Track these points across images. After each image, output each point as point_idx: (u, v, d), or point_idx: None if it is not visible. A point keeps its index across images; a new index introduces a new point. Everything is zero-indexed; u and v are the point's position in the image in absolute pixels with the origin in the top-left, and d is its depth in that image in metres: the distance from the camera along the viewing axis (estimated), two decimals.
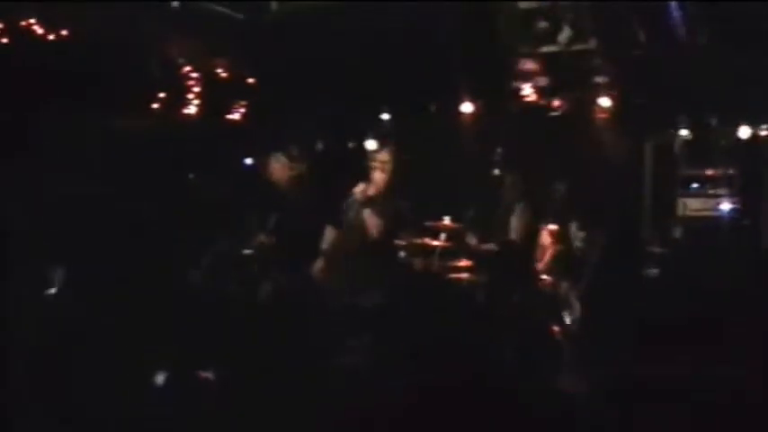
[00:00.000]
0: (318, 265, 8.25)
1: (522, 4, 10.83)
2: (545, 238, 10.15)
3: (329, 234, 8.27)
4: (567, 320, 9.32)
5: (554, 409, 6.52)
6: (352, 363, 6.81)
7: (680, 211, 11.61)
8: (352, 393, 6.39)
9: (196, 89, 11.72)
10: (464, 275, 10.15)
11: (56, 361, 6.30)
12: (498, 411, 6.25)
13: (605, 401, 6.69)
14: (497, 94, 11.95)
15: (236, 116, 12.33)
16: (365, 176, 8.27)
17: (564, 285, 9.63)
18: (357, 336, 7.19)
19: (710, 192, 11.56)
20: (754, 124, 11.34)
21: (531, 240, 9.80)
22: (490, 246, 9.90)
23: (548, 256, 10.08)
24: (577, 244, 9.94)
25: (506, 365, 7.07)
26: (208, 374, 6.68)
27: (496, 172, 10.55)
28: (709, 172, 11.65)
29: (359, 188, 8.12)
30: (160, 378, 6.39)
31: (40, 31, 10.52)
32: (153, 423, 5.79)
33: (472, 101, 12.23)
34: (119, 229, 9.64)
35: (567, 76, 11.43)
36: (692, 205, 11.57)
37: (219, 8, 10.91)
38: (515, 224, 9.23)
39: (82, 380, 6.06)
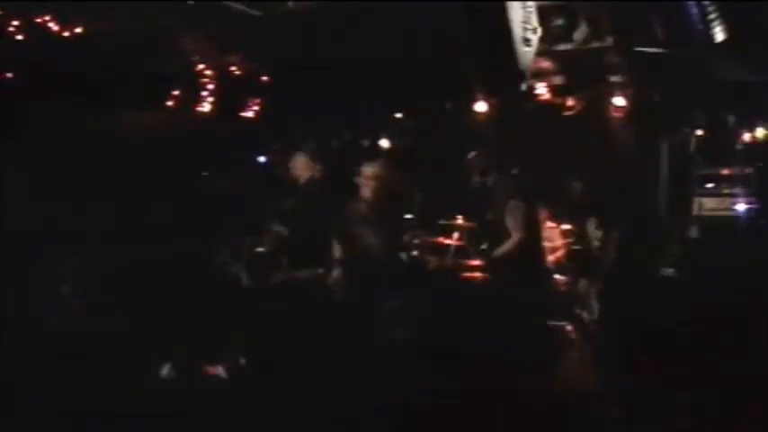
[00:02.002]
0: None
1: (539, 2, 10.79)
2: (560, 236, 10.13)
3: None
4: (585, 319, 9.30)
5: (565, 407, 6.53)
6: (368, 358, 6.82)
7: (696, 211, 11.56)
8: (366, 387, 6.40)
9: (211, 86, 11.74)
10: (477, 274, 10.14)
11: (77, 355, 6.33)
12: (511, 409, 6.25)
13: (619, 400, 6.68)
14: (512, 94, 11.91)
15: (250, 113, 12.33)
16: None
17: (581, 284, 9.59)
18: (374, 332, 7.20)
19: (726, 191, 11.51)
20: None
21: (531, 237, 9.66)
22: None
23: (564, 254, 10.05)
24: (595, 243, 9.90)
25: (518, 363, 7.07)
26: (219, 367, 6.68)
27: (479, 176, 10.47)
28: (725, 171, 11.60)
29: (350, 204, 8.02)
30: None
31: (55, 27, 10.56)
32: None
33: (486, 100, 12.20)
34: (132, 225, 9.67)
35: (583, 74, 11.39)
36: (707, 204, 11.52)
37: (235, 5, 10.90)
38: (510, 223, 9.14)
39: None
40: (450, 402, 6.34)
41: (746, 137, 11.50)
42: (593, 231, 10.06)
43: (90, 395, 5.81)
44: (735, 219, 11.33)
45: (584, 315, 9.37)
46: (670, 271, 10.36)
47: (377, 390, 6.44)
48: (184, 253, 9.01)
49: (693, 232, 11.42)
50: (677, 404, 6.49)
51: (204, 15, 10.88)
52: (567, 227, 10.35)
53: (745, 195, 11.36)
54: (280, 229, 8.50)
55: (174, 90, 11.57)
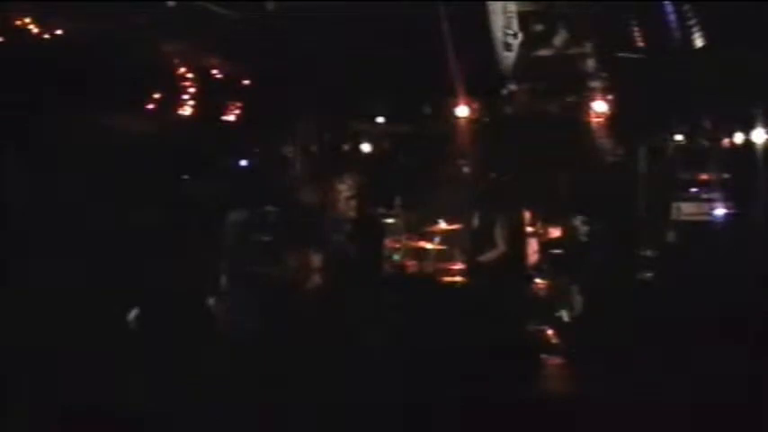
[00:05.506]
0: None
1: (519, 7, 10.84)
2: (543, 241, 10.13)
3: None
4: (567, 318, 9.34)
5: (549, 406, 6.55)
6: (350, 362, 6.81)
7: (674, 215, 11.64)
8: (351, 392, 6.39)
9: (190, 89, 11.67)
10: (458, 278, 10.14)
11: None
12: (493, 411, 6.26)
13: (602, 400, 6.71)
14: (492, 98, 11.94)
15: (230, 116, 12.28)
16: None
17: (564, 289, 9.61)
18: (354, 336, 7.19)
19: (704, 196, 11.61)
20: (749, 129, 11.38)
21: (520, 245, 9.65)
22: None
23: (546, 259, 10.05)
24: (576, 248, 9.93)
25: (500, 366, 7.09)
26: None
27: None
28: (704, 176, 11.69)
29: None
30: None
31: (34, 29, 10.46)
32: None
33: (467, 104, 12.19)
34: (112, 228, 9.59)
35: (562, 79, 11.43)
36: (686, 209, 11.61)
37: (215, 7, 10.86)
38: (500, 232, 9.14)
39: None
40: (433, 405, 6.34)
41: (725, 142, 11.59)
42: (575, 236, 10.10)
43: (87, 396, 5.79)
44: (713, 223, 11.43)
45: (567, 318, 9.40)
46: (649, 275, 10.43)
47: (359, 393, 6.44)
48: (165, 256, 8.94)
49: (672, 237, 11.50)
50: (658, 405, 6.53)
51: (183, 18, 10.83)
52: (549, 231, 10.37)
53: (724, 200, 11.46)
54: (260, 233, 8.46)
55: (152, 93, 11.49)
